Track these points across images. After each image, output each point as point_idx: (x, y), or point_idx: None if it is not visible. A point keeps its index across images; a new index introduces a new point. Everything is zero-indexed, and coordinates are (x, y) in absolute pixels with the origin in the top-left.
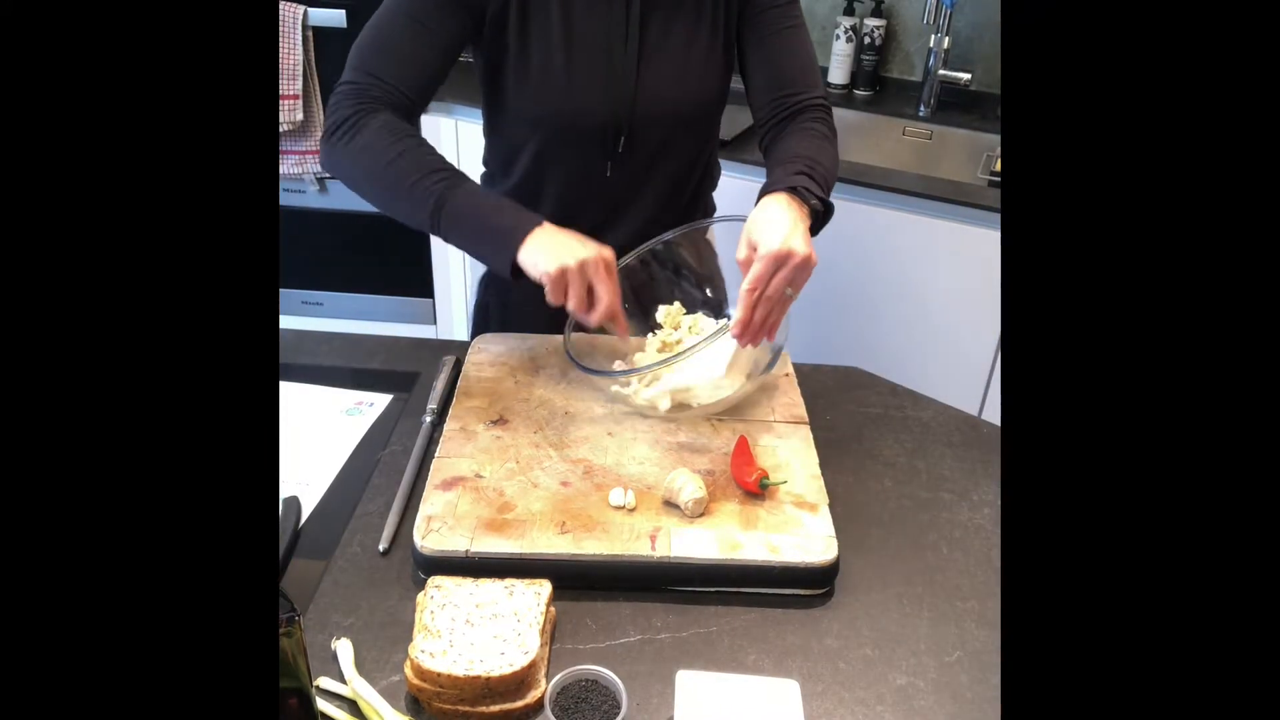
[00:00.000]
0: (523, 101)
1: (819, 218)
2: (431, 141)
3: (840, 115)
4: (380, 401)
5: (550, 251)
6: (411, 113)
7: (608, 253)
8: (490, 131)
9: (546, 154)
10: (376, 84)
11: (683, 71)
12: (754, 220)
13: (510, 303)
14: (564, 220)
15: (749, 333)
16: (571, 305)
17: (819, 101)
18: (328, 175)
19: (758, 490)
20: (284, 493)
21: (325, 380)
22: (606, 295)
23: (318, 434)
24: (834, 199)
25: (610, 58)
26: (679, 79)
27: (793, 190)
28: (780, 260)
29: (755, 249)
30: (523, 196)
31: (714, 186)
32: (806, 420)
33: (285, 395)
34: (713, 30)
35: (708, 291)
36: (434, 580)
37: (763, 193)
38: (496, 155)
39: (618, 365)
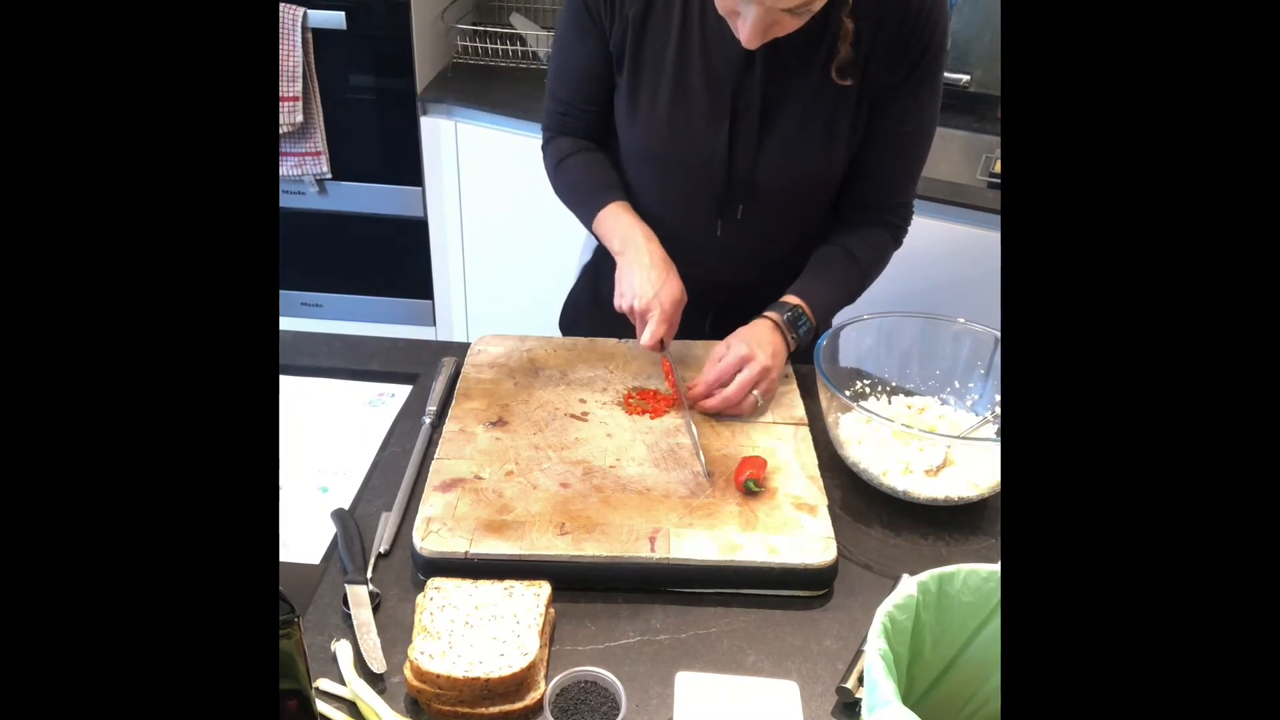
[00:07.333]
0: (632, 138)
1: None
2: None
3: None
4: (401, 393)
5: (626, 284)
6: (595, 122)
7: (666, 296)
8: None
9: (656, 196)
10: (558, 104)
11: (804, 142)
12: (738, 332)
13: (602, 296)
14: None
15: (698, 403)
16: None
17: (891, 219)
18: (327, 176)
19: (742, 490)
20: (317, 484)
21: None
22: (648, 337)
23: (346, 427)
24: None
25: (730, 120)
26: (800, 149)
27: (783, 323)
28: (742, 362)
29: (728, 349)
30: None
31: None
32: (806, 421)
33: (311, 389)
34: (838, 100)
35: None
36: (433, 582)
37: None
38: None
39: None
